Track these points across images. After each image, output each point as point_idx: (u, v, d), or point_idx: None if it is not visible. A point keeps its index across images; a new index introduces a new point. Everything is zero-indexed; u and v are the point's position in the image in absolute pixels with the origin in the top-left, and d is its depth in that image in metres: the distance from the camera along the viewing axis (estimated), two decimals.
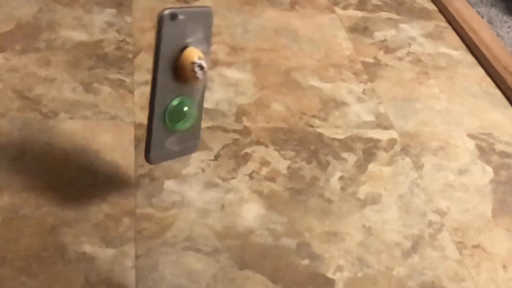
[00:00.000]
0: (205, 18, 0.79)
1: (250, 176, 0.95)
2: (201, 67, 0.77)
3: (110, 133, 0.97)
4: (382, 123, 1.09)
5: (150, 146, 0.81)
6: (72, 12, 1.22)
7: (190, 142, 0.86)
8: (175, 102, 0.80)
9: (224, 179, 0.93)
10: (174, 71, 0.78)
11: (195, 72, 0.77)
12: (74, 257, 0.79)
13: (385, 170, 1.00)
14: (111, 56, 1.13)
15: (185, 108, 0.81)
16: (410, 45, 1.31)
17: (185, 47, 0.77)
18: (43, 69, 1.08)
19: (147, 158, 0.82)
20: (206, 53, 0.79)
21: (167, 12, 0.75)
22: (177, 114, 0.81)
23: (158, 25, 0.75)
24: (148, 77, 1.10)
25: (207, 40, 0.80)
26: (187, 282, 0.78)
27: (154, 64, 0.77)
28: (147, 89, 1.07)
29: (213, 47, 1.19)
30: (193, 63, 0.77)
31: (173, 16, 0.75)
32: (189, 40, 0.78)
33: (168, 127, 0.81)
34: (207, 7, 0.79)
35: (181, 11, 0.76)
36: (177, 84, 0.79)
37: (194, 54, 0.77)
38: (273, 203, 0.91)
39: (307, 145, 1.02)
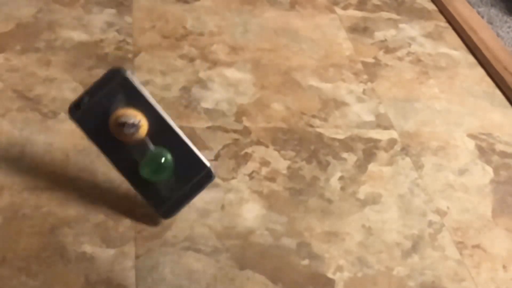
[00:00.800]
0: (117, 78, 0.80)
1: (250, 176, 0.95)
2: (122, 125, 0.78)
3: None
4: (382, 123, 1.09)
5: (153, 206, 0.82)
6: (72, 12, 1.22)
7: (197, 176, 0.83)
8: (143, 162, 0.80)
9: (224, 179, 0.93)
10: (116, 140, 0.80)
11: (122, 132, 0.78)
12: (74, 257, 0.79)
13: (385, 170, 1.00)
14: (111, 56, 1.13)
15: (162, 160, 0.81)
16: (410, 45, 1.31)
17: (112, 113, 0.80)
18: (43, 69, 1.08)
19: (162, 215, 0.82)
20: (138, 103, 0.80)
21: (71, 106, 0.79)
22: (154, 168, 0.80)
23: (71, 117, 0.79)
24: (148, 77, 1.10)
25: (135, 94, 0.80)
26: (187, 282, 0.78)
27: (96, 145, 0.79)
28: (147, 89, 1.07)
29: (213, 47, 1.20)
30: (113, 126, 0.78)
31: (77, 106, 0.79)
32: (113, 105, 0.79)
33: (155, 181, 0.81)
34: (117, 68, 0.80)
35: (83, 97, 0.79)
36: (128, 148, 0.80)
37: (113, 118, 0.79)
38: (273, 203, 0.91)
39: (307, 145, 1.02)
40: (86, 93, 0.79)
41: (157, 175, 0.81)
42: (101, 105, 0.79)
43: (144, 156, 0.80)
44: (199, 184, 0.83)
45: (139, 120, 0.79)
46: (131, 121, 0.78)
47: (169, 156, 0.81)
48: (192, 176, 0.83)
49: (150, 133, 0.80)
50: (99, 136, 0.80)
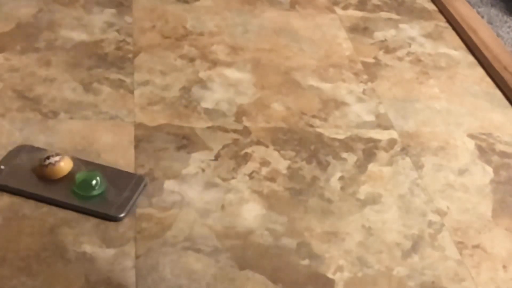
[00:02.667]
0: (25, 148, 0.91)
1: (250, 176, 0.95)
2: (48, 158, 0.87)
3: (110, 133, 0.97)
4: (382, 123, 1.09)
5: (105, 214, 0.84)
6: (72, 12, 1.22)
7: (131, 184, 0.88)
8: (77, 182, 0.86)
9: (224, 179, 0.93)
10: (44, 181, 0.87)
11: (49, 164, 0.86)
12: (74, 257, 0.79)
13: (385, 170, 1.00)
14: (111, 56, 1.13)
15: (93, 182, 0.86)
16: (410, 45, 1.31)
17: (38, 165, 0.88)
18: (43, 69, 1.08)
19: (115, 219, 0.84)
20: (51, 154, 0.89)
21: None
22: (87, 188, 0.86)
23: None
24: (148, 77, 1.10)
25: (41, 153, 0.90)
26: (187, 282, 0.78)
27: (29, 192, 0.85)
28: (147, 89, 1.07)
29: (213, 47, 1.20)
30: (39, 168, 0.87)
31: None
32: (33, 161, 0.89)
33: (94, 196, 0.86)
34: (23, 145, 0.92)
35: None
36: (59, 182, 0.87)
37: (37, 164, 0.88)
38: (273, 203, 0.91)
39: (307, 145, 1.02)
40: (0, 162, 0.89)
41: (95, 188, 0.86)
42: (20, 166, 0.88)
43: (76, 180, 0.86)
44: (135, 188, 0.88)
45: (61, 154, 0.88)
46: (53, 153, 0.88)
47: (97, 173, 0.87)
48: (123, 186, 0.88)
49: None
50: (29, 184, 0.86)
